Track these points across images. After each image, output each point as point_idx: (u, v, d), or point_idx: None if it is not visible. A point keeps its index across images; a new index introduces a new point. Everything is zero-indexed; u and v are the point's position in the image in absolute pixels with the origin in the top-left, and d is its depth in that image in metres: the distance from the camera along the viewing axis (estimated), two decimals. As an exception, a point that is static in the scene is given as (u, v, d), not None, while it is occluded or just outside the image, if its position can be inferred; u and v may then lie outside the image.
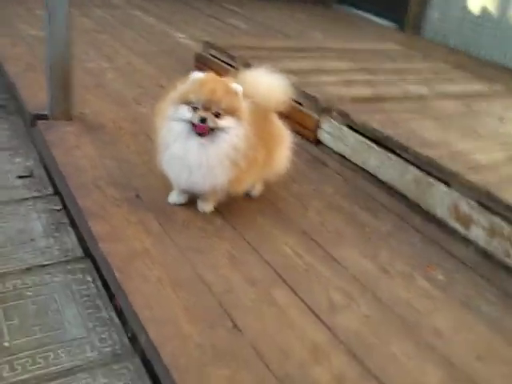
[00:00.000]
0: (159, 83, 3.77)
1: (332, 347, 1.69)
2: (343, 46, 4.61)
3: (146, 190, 2.40)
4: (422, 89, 3.67)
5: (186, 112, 2.07)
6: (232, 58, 3.78)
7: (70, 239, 2.33)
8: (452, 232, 2.44)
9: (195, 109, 2.06)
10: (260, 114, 2.20)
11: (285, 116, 3.31)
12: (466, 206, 2.36)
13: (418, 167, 2.58)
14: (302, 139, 3.20)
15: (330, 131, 3.02)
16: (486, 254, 2.32)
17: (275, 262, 2.06)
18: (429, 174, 2.53)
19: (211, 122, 2.05)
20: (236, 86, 2.11)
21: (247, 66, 3.61)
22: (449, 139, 2.81)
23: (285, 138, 2.42)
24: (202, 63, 4.01)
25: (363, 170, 2.84)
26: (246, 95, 2.14)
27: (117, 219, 2.17)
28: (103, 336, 1.86)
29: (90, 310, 1.97)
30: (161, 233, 2.13)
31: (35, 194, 2.64)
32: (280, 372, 1.57)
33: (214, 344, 1.63)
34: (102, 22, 5.33)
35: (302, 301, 1.88)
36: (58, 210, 2.52)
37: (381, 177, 2.74)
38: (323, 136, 3.08)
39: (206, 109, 2.05)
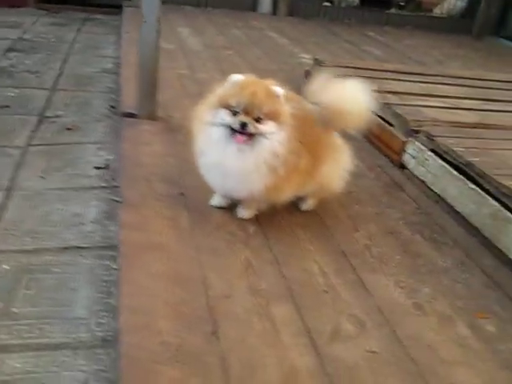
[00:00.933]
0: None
1: (312, 378, 1.49)
2: (469, 75, 4.22)
3: (193, 189, 2.36)
4: (545, 122, 3.21)
5: (225, 116, 1.98)
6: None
7: (116, 228, 2.37)
8: (525, 280, 2.05)
9: (235, 113, 1.97)
10: (307, 117, 2.06)
11: (374, 136, 3.12)
12: (546, 251, 1.97)
13: (498, 200, 2.22)
14: (386, 162, 2.97)
15: (414, 154, 2.75)
16: (561, 311, 1.90)
17: (293, 278, 1.89)
18: (508, 208, 2.17)
19: (252, 127, 1.95)
20: (277, 89, 2.00)
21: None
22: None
23: (340, 155, 2.24)
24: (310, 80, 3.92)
25: (442, 199, 2.53)
26: (295, 100, 2.02)
27: (149, 211, 2.16)
28: (102, 321, 1.85)
29: (101, 295, 1.97)
30: (187, 230, 2.08)
31: (103, 184, 2.75)
32: (238, 389, 1.41)
33: (181, 345, 1.52)
34: (234, 41, 5.51)
35: (303, 322, 1.69)
36: (117, 201, 2.59)
37: (458, 208, 2.41)
38: (407, 159, 2.81)
39: (247, 113, 1.96)
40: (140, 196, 2.27)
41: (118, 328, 1.54)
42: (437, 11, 8.18)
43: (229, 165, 2.00)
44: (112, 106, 3.78)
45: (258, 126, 1.96)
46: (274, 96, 1.99)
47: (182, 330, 1.58)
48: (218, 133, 1.99)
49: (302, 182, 2.14)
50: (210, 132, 2.01)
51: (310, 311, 1.74)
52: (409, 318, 1.78)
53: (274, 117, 1.98)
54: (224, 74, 4.24)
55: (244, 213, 2.21)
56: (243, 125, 1.94)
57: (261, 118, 1.96)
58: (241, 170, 2.00)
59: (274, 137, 1.98)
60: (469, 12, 7.89)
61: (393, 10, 8.00)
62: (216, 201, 2.27)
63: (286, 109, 2.01)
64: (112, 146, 3.15)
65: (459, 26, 7.83)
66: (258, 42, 5.60)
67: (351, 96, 2.12)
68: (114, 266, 2.12)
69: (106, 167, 2.90)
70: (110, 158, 3.02)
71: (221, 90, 2.03)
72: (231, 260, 1.95)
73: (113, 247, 2.24)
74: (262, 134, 1.98)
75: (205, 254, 1.96)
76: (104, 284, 2.03)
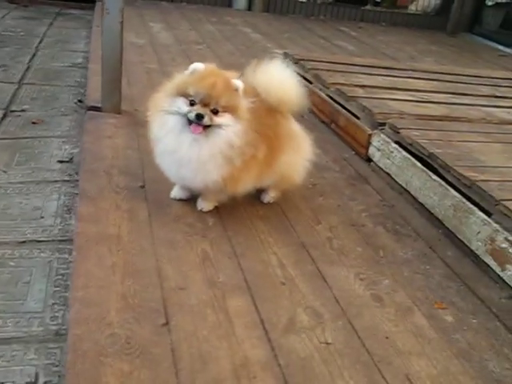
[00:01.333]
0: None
1: (264, 369, 1.46)
2: (439, 69, 4.24)
3: (154, 182, 2.32)
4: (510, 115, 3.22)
5: (182, 105, 1.94)
6: (304, 69, 3.63)
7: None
8: (484, 270, 2.06)
9: (192, 103, 1.94)
10: (263, 108, 2.03)
11: (340, 128, 3.11)
12: (505, 241, 1.97)
13: (460, 191, 2.22)
14: (352, 154, 2.96)
15: (380, 147, 2.74)
16: (520, 302, 1.91)
17: (250, 270, 1.86)
18: (469, 199, 2.17)
19: (208, 119, 1.92)
20: (237, 82, 1.97)
21: (316, 77, 3.46)
22: (510, 166, 2.40)
23: (300, 144, 2.21)
24: (279, 74, 3.90)
25: (406, 190, 2.53)
26: (249, 90, 1.99)
27: (107, 204, 2.12)
28: (56, 314, 1.80)
29: (57, 288, 1.92)
30: (144, 222, 2.04)
31: (66, 177, 2.70)
32: (187, 382, 1.38)
33: (130, 337, 1.48)
34: (207, 36, 5.46)
35: (258, 314, 1.66)
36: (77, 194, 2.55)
37: (421, 199, 2.41)
38: (373, 152, 2.80)
39: (204, 104, 1.92)
40: (98, 189, 2.23)
41: (68, 320, 1.50)
42: (412, 8, 8.23)
43: (183, 153, 1.97)
44: (79, 100, 3.71)
45: (214, 119, 1.93)
46: (232, 89, 1.96)
47: (132, 322, 1.54)
48: (174, 121, 1.95)
49: (261, 172, 2.10)
50: (165, 120, 1.97)
51: (266, 303, 1.71)
52: (367, 309, 1.77)
53: (231, 110, 1.94)
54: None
55: (203, 205, 2.17)
56: (199, 116, 1.90)
57: (218, 110, 1.93)
58: (195, 159, 1.97)
59: (230, 128, 1.95)
60: (443, 9, 7.94)
61: (368, 7, 8.02)
62: (176, 193, 2.23)
63: (243, 103, 1.98)
64: (77, 140, 3.10)
65: (434, 22, 7.89)
66: (230, 37, 5.56)
67: (279, 83, 2.08)
68: (72, 259, 2.08)
69: (70, 161, 2.85)
70: (75, 151, 2.97)
71: (180, 78, 1.99)
72: (187, 252, 1.91)
73: (71, 241, 2.19)
74: (218, 126, 1.94)
75: (161, 245, 1.92)
76: (60, 277, 1.98)
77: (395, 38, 6.82)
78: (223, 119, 1.94)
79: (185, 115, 1.94)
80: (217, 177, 1.99)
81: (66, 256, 2.10)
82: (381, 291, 1.87)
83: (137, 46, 4.62)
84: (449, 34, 7.56)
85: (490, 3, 8.08)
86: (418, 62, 5.51)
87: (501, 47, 7.10)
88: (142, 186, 2.30)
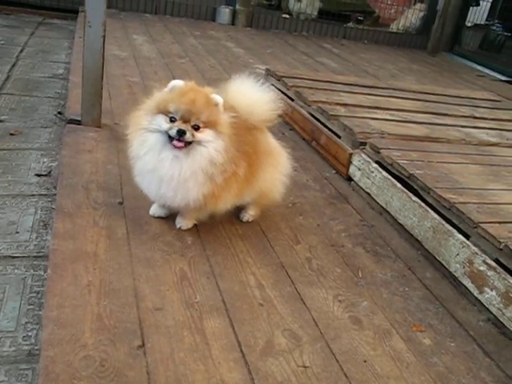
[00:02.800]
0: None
1: (241, 392, 1.44)
2: (420, 89, 4.28)
3: (133, 198, 2.30)
4: (490, 136, 3.27)
5: (162, 122, 1.93)
6: (286, 86, 3.64)
7: (51, 237, 2.29)
8: (463, 292, 2.06)
9: (173, 119, 1.93)
10: (242, 125, 2.02)
11: (322, 147, 3.11)
12: (483, 264, 1.98)
13: (439, 213, 2.23)
14: (333, 173, 2.97)
15: (360, 166, 2.75)
16: (496, 325, 1.92)
17: (228, 290, 1.84)
18: (448, 221, 2.18)
19: (189, 135, 1.91)
20: (216, 97, 1.96)
21: (298, 94, 3.47)
22: (488, 189, 2.42)
23: (277, 160, 2.21)
24: (261, 91, 3.90)
25: (386, 211, 2.53)
26: (228, 107, 1.98)
27: (84, 220, 2.09)
28: (29, 334, 1.76)
29: (30, 307, 1.88)
30: (122, 240, 2.01)
31: (43, 191, 2.65)
32: (162, 406, 1.35)
33: (104, 359, 1.45)
34: (189, 50, 5.46)
35: (236, 336, 1.64)
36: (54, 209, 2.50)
37: (401, 220, 2.42)
38: (353, 171, 2.81)
39: (185, 121, 1.91)
40: (76, 204, 2.19)
41: (41, 342, 1.46)
42: (393, 27, 8.34)
43: (164, 172, 1.95)
44: (59, 112, 3.67)
45: (195, 134, 1.92)
46: (212, 104, 1.95)
47: (107, 343, 1.51)
48: (154, 139, 1.94)
49: (241, 190, 2.09)
50: (145, 138, 1.95)
51: (244, 325, 1.70)
52: (345, 332, 1.76)
53: (212, 125, 1.94)
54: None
55: (183, 223, 2.15)
56: (181, 132, 1.89)
57: (199, 126, 1.92)
58: (176, 176, 1.95)
59: (211, 145, 1.94)
60: (424, 28, 8.06)
61: (350, 24, 8.11)
62: (155, 210, 2.21)
63: (224, 117, 1.97)
64: (56, 153, 3.06)
65: (415, 41, 8.00)
66: (213, 51, 5.56)
67: (250, 97, 2.08)
68: (47, 277, 2.03)
69: (48, 174, 2.81)
70: (53, 165, 2.93)
71: (159, 96, 1.98)
72: (165, 271, 1.89)
73: (47, 257, 2.15)
74: (199, 143, 1.93)
75: (139, 264, 1.89)
76: (35, 295, 1.94)
77: (377, 55, 6.89)
78: (204, 135, 1.93)
79: (165, 132, 1.92)
80: (197, 194, 1.98)
81: (41, 273, 2.06)
82: (359, 313, 1.86)
83: (119, 59, 4.60)
84: (429, 53, 7.67)
85: (469, 24, 8.24)
86: (399, 80, 5.57)
87: (479, 67, 7.23)
88: (121, 203, 2.27)
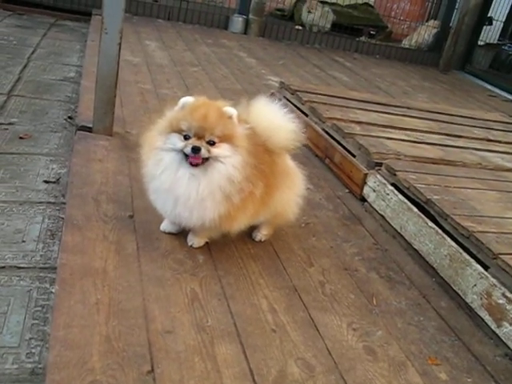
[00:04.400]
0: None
1: (253, 426, 1.38)
2: (433, 108, 4.24)
3: (143, 212, 2.25)
4: (506, 161, 3.22)
5: (177, 141, 1.88)
6: (300, 101, 3.59)
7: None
8: (479, 325, 2.00)
9: (187, 137, 1.88)
10: (260, 144, 1.98)
11: (335, 165, 3.07)
12: (502, 297, 1.92)
13: (456, 241, 2.18)
14: (346, 193, 2.92)
15: (375, 187, 2.70)
16: (514, 361, 1.86)
17: (240, 314, 1.79)
18: (466, 250, 2.12)
19: (205, 151, 1.86)
20: (230, 110, 1.91)
21: (312, 110, 3.42)
22: (507, 217, 2.36)
23: (293, 181, 2.16)
24: (274, 104, 3.86)
25: (400, 235, 2.48)
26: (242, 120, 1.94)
27: (94, 234, 2.03)
28: (33, 351, 1.71)
29: (35, 321, 1.83)
30: (132, 256, 1.96)
31: (51, 199, 2.60)
32: None
33: (112, 386, 1.39)
34: (202, 58, 5.43)
35: (248, 363, 1.59)
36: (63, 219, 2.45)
37: (415, 246, 2.36)
38: (367, 192, 2.76)
39: (199, 137, 1.86)
40: (85, 216, 2.14)
41: (47, 364, 1.41)
42: (405, 43, 8.31)
43: (181, 191, 1.90)
44: (69, 117, 3.63)
45: (211, 150, 1.87)
46: (226, 117, 1.90)
47: (116, 368, 1.46)
48: (170, 158, 1.89)
49: (257, 211, 2.04)
50: (160, 157, 1.91)
51: (256, 352, 1.64)
52: (360, 363, 1.70)
53: (227, 139, 1.89)
54: (188, 90, 4.18)
55: (194, 241, 2.10)
56: (195, 149, 1.84)
57: (214, 141, 1.88)
58: (194, 196, 1.90)
59: (228, 161, 1.89)
60: (436, 46, 8.03)
61: (363, 38, 8.08)
62: (166, 226, 2.16)
63: (239, 130, 1.92)
64: (65, 160, 3.01)
65: (426, 58, 7.97)
66: (226, 60, 5.53)
67: (270, 121, 2.04)
68: (53, 290, 1.98)
69: (57, 182, 2.76)
70: (62, 171, 2.88)
71: (171, 114, 1.93)
72: (175, 291, 1.83)
73: (54, 269, 2.10)
74: (216, 159, 1.88)
75: (149, 283, 1.84)
76: (40, 309, 1.89)
77: (388, 71, 6.86)
78: (221, 150, 1.88)
79: (180, 151, 1.88)
80: (214, 215, 1.92)
81: (47, 286, 2.00)
82: (374, 343, 1.81)
83: (132, 65, 4.56)
84: (441, 70, 7.64)
85: (480, 43, 8.21)
86: (411, 97, 5.53)
87: (489, 87, 7.19)
88: (131, 216, 2.22)
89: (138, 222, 2.20)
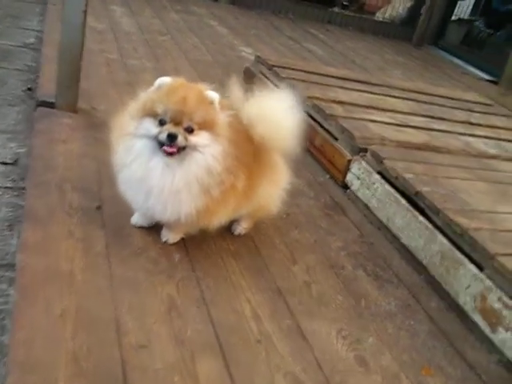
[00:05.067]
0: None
1: None
2: (415, 87, 4.10)
3: (113, 203, 2.04)
4: (489, 147, 3.11)
5: (151, 127, 1.68)
6: (278, 76, 3.40)
7: (18, 241, 2.01)
8: (471, 329, 1.90)
9: (162, 122, 1.68)
10: (243, 132, 1.80)
11: (316, 149, 2.90)
12: (498, 301, 1.82)
13: (448, 238, 2.06)
14: (328, 179, 2.76)
15: (359, 175, 2.55)
16: (509, 369, 1.76)
17: (222, 323, 1.63)
18: (459, 248, 2.01)
19: (182, 139, 1.66)
20: (211, 94, 1.72)
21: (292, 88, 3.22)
22: (499, 212, 2.26)
23: (278, 176, 1.99)
24: (249, 79, 3.65)
25: (386, 228, 2.35)
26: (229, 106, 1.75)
27: (57, 230, 1.83)
28: (-13, 367, 1.51)
29: (-14, 329, 1.62)
30: (102, 256, 1.77)
31: (9, 184, 2.36)
32: None
33: (81, 418, 1.22)
34: (171, 26, 5.14)
35: (232, 380, 1.43)
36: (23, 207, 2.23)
37: (403, 240, 2.24)
38: (351, 179, 2.61)
39: (176, 123, 1.66)
40: (48, 209, 1.93)
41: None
42: (379, 15, 8.12)
43: (154, 182, 1.71)
44: (29, 89, 3.34)
45: (189, 138, 1.68)
46: (207, 102, 1.71)
47: (84, 393, 1.28)
48: (142, 145, 1.69)
49: (238, 205, 1.87)
50: (132, 144, 1.70)
51: (241, 367, 1.49)
52: (352, 376, 1.58)
53: (207, 126, 1.70)
54: (156, 62, 3.93)
55: (169, 236, 1.92)
56: (171, 137, 1.65)
57: (192, 129, 1.68)
58: (168, 188, 1.71)
59: (208, 150, 1.71)
60: (410, 20, 7.88)
61: (336, 9, 7.86)
62: (137, 220, 1.97)
63: (221, 117, 1.74)
64: (24, 138, 2.75)
65: (400, 32, 7.81)
66: (196, 29, 5.25)
67: (275, 118, 1.86)
68: (12, 292, 1.78)
69: (15, 163, 2.51)
70: (21, 151, 2.63)
71: (145, 96, 1.72)
72: (151, 297, 1.66)
73: (13, 266, 1.89)
74: (194, 148, 1.69)
75: (121, 287, 1.66)
76: (-5, 315, 1.68)
77: (362, 44, 6.68)
78: (200, 138, 1.69)
79: (155, 138, 1.68)
80: (190, 208, 1.74)
81: (5, 287, 1.79)
82: (365, 352, 1.69)
83: (96, 32, 4.26)
84: (414, 45, 7.50)
85: (453, 18, 8.09)
86: (386, 73, 5.40)
87: (462, 63, 7.10)
88: (99, 207, 2.02)
89: (106, 214, 2.00)
